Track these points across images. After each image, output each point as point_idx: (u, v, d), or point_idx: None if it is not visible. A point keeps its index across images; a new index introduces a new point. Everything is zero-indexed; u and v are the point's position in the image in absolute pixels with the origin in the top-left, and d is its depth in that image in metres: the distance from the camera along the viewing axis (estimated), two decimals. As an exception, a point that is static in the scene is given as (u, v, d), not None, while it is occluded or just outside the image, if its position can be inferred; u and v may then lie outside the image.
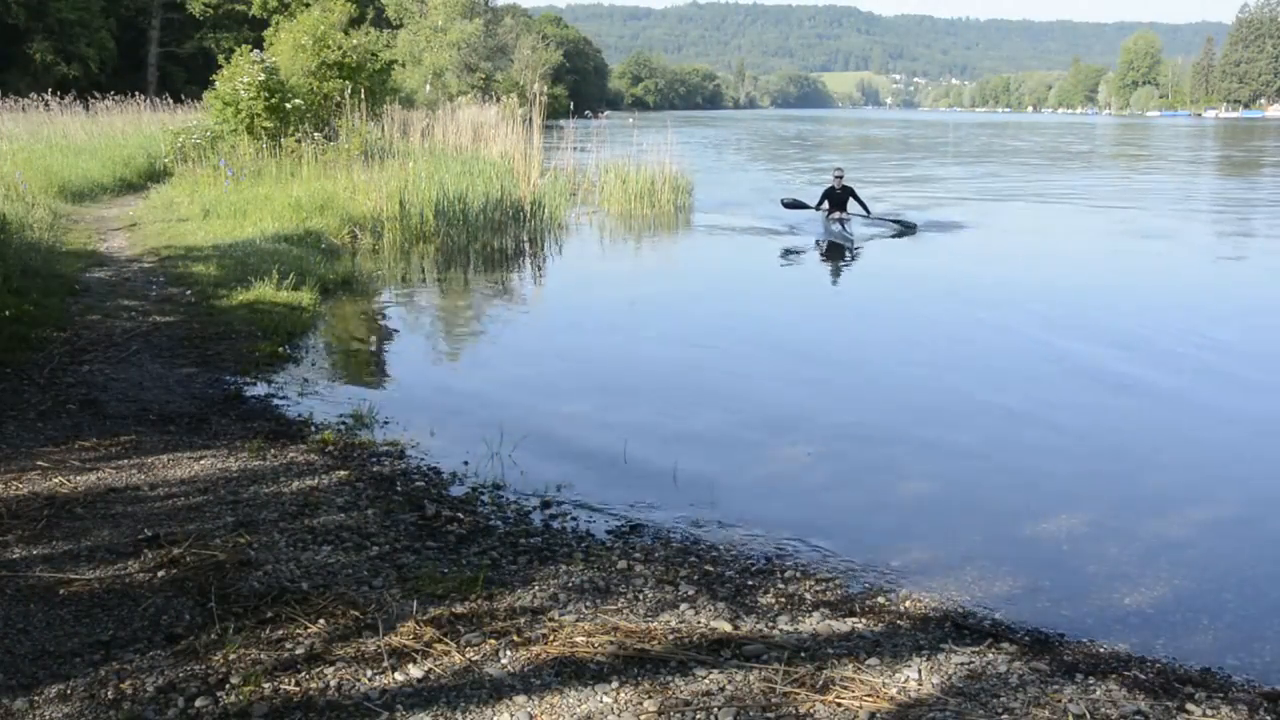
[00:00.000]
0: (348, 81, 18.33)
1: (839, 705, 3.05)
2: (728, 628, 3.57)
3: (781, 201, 16.60)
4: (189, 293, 9.21)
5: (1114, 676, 3.32)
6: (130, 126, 24.12)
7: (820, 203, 15.94)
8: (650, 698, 3.05)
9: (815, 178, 28.58)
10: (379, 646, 3.28)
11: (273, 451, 5.35)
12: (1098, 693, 3.19)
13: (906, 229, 15.49)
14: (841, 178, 15.96)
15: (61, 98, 25.19)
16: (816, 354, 8.44)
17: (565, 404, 6.80)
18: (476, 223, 14.44)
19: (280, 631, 3.38)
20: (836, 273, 13.11)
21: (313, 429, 5.86)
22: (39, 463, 4.97)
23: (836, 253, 14.10)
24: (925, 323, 9.57)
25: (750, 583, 4.06)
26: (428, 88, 43.68)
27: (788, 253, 14.21)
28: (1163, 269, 13.32)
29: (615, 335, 9.21)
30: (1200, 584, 4.28)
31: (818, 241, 14.83)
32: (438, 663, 3.22)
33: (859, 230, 15.18)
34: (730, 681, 3.16)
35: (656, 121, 39.61)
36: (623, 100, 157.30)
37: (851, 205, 15.70)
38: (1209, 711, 3.12)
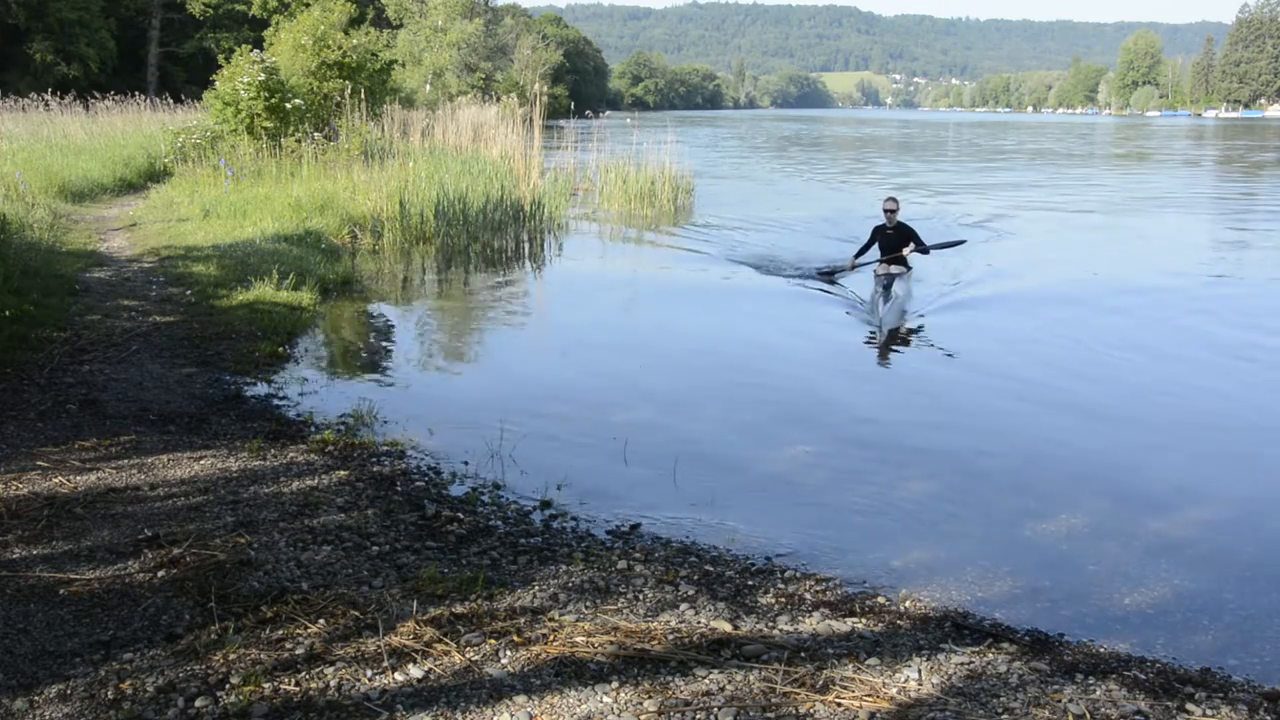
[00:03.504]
0: (348, 81, 18.35)
1: (839, 705, 3.04)
2: (728, 628, 3.57)
3: (817, 271, 11.81)
4: (189, 293, 9.21)
5: (1114, 676, 3.32)
6: (130, 126, 24.12)
7: (864, 250, 11.36)
8: (650, 698, 3.05)
9: (816, 178, 28.63)
10: (379, 646, 3.28)
11: (273, 451, 5.35)
12: (1098, 693, 3.19)
13: (957, 244, 11.99)
14: (895, 211, 11.21)
15: (61, 98, 25.18)
16: (816, 354, 8.44)
17: (565, 404, 6.80)
18: (476, 223, 14.45)
19: (280, 631, 3.38)
20: (838, 273, 13.07)
21: (313, 429, 5.87)
22: (39, 463, 4.97)
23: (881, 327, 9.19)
24: (924, 323, 9.57)
25: (750, 583, 4.06)
26: (428, 88, 43.67)
27: (800, 283, 11.48)
28: (1162, 269, 13.30)
29: (615, 335, 9.21)
30: (1200, 584, 4.28)
31: (860, 314, 9.86)
32: (438, 663, 3.22)
33: (922, 291, 10.75)
34: (730, 681, 3.16)
35: (656, 121, 39.64)
36: (622, 100, 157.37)
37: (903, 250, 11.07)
38: (1209, 711, 3.12)
